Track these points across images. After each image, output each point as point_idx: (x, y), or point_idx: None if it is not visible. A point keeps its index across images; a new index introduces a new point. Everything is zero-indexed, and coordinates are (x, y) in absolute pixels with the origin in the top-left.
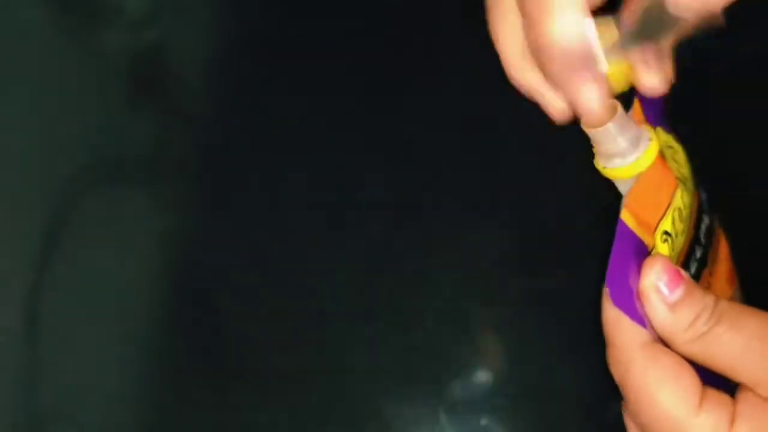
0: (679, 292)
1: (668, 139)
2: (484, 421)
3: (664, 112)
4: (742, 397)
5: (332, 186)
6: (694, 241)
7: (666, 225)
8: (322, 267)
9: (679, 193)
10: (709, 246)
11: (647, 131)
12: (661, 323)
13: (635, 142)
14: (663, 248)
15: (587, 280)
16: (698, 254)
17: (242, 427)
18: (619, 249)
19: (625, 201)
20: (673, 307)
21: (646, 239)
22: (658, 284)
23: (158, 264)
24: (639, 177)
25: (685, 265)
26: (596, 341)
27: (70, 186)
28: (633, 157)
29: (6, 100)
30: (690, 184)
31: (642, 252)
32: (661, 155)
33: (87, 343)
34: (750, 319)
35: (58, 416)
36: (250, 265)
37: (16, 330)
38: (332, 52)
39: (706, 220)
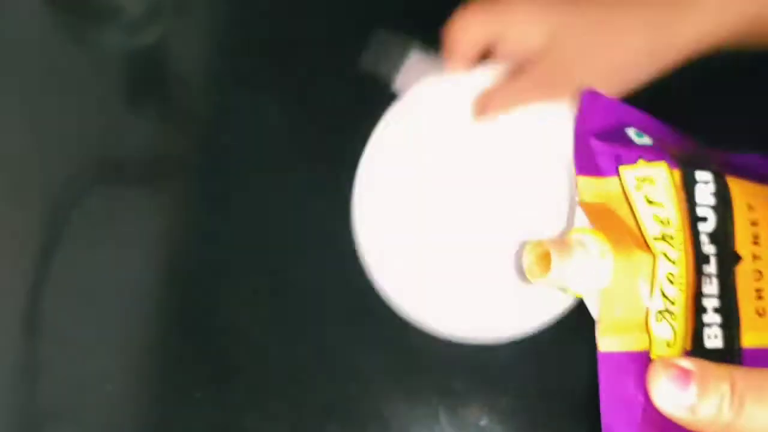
0: (692, 391)
1: (645, 171)
2: (483, 422)
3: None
4: None
5: (332, 186)
6: (699, 266)
7: (656, 305)
8: (323, 267)
9: (658, 263)
10: (725, 242)
11: (594, 250)
12: (690, 426)
13: (581, 271)
14: (658, 329)
15: None
16: (711, 268)
17: (242, 425)
18: (604, 378)
19: (598, 327)
20: (692, 409)
21: (639, 341)
22: (671, 392)
23: (158, 263)
24: (602, 291)
25: (698, 301)
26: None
27: (71, 186)
28: (584, 285)
29: (6, 100)
30: (675, 216)
31: (635, 359)
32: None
33: (87, 342)
34: None
35: (58, 415)
36: (250, 265)
37: (17, 329)
38: (332, 52)
39: (709, 223)
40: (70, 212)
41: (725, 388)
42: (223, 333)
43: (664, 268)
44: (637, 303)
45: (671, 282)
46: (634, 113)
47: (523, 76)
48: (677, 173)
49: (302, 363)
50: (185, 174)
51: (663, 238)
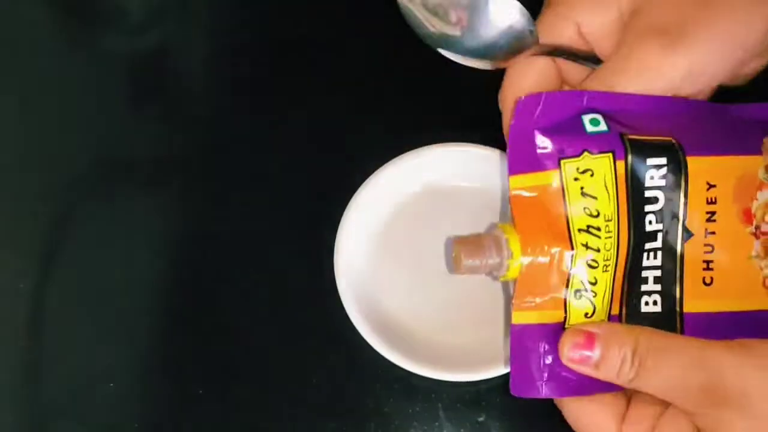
0: (597, 352)
1: (587, 163)
2: (481, 418)
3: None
4: (669, 410)
5: (333, 186)
6: (639, 245)
7: (574, 288)
8: (323, 267)
9: (576, 252)
10: (673, 219)
11: (504, 245)
12: (597, 379)
13: (489, 264)
14: (577, 304)
15: None
16: (657, 243)
17: (244, 422)
18: (515, 349)
19: (513, 304)
20: (596, 366)
21: (553, 316)
22: (574, 355)
23: (160, 263)
24: (516, 282)
25: (635, 273)
26: None
27: (73, 187)
28: (498, 274)
29: (10, 101)
30: (608, 206)
31: (548, 329)
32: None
33: (90, 341)
34: (673, 354)
35: (61, 414)
36: (250, 265)
37: (20, 328)
38: (332, 53)
39: (658, 203)
40: (71, 213)
41: (627, 349)
42: (224, 332)
43: (582, 256)
44: (551, 288)
45: (593, 267)
46: (600, 97)
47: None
48: (622, 164)
49: (302, 361)
50: (186, 175)
51: (587, 230)
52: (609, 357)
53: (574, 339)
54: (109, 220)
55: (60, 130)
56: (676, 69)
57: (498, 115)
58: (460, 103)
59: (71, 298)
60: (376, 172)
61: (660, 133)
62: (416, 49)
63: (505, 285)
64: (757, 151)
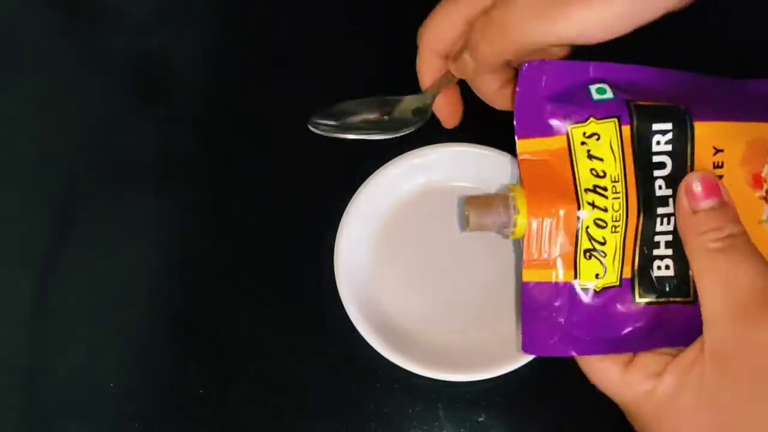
0: (708, 203)
1: (593, 128)
2: (481, 418)
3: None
4: (679, 356)
5: (333, 186)
6: (650, 208)
7: (583, 246)
8: (323, 266)
9: (583, 212)
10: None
11: (512, 204)
12: (681, 220)
13: (497, 222)
14: (587, 265)
15: None
16: (669, 209)
17: (244, 423)
18: (527, 307)
19: (524, 261)
20: (696, 212)
21: (563, 275)
22: (693, 187)
23: (160, 263)
24: (525, 239)
25: (648, 238)
26: None
27: (75, 186)
28: (508, 231)
29: (12, 102)
30: (615, 168)
31: (559, 288)
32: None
33: (92, 340)
34: (754, 265)
35: (62, 412)
36: (250, 265)
37: (22, 328)
38: (332, 53)
39: (666, 169)
40: (73, 212)
41: (730, 226)
42: (224, 331)
43: (590, 215)
44: (560, 246)
45: (601, 227)
46: (608, 68)
47: None
48: (627, 128)
49: (303, 360)
50: (187, 175)
51: (594, 189)
52: (714, 216)
53: (706, 175)
54: (109, 220)
55: (60, 130)
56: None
57: (498, 115)
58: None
59: (71, 298)
60: (376, 172)
61: (669, 100)
62: (416, 50)
63: (508, 282)
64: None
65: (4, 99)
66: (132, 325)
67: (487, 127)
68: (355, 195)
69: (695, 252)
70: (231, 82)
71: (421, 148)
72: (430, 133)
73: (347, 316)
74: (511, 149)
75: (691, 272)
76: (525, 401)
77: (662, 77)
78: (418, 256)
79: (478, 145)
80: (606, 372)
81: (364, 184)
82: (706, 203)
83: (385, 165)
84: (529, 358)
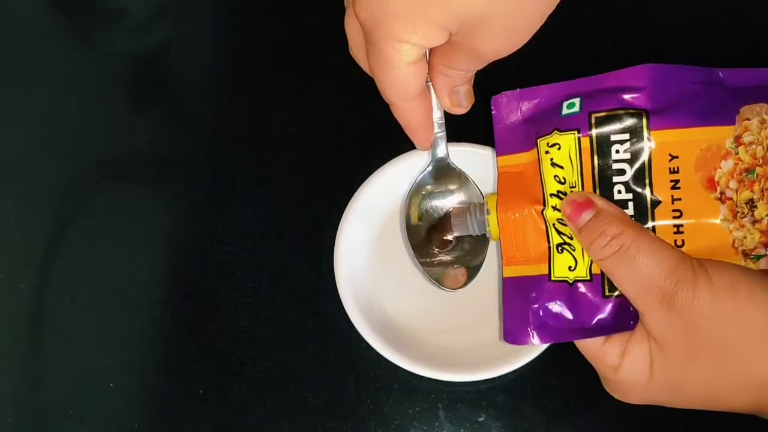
0: (585, 217)
1: (555, 139)
2: (481, 418)
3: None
4: (634, 332)
5: (333, 187)
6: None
7: (554, 241)
8: (323, 267)
9: (548, 213)
10: (640, 189)
11: (485, 209)
12: (579, 243)
13: (473, 225)
14: (560, 258)
15: None
16: (630, 211)
17: (244, 422)
18: (507, 299)
19: (502, 259)
20: (580, 230)
21: (538, 269)
22: (567, 211)
23: (161, 263)
24: (501, 236)
25: None
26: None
27: (74, 186)
28: (488, 233)
29: (13, 101)
30: (573, 175)
31: (535, 280)
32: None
33: (91, 340)
34: (654, 254)
35: (61, 412)
36: (250, 265)
37: (22, 328)
38: (332, 54)
39: (626, 175)
40: (73, 212)
41: (614, 228)
42: (225, 332)
43: (553, 215)
44: (533, 244)
45: (563, 224)
46: (579, 84)
47: None
48: (587, 139)
49: (302, 361)
50: (186, 175)
51: (557, 194)
52: (595, 226)
53: (574, 197)
54: (109, 219)
55: (60, 129)
56: None
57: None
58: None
59: (71, 298)
60: (375, 172)
61: (633, 105)
62: None
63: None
64: (730, 120)
65: (4, 99)
66: (132, 325)
67: (485, 127)
68: (355, 195)
69: (598, 264)
70: (231, 82)
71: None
72: None
73: (347, 316)
74: None
75: None
76: (525, 401)
77: (628, 78)
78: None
79: (477, 145)
80: (590, 343)
81: (364, 184)
82: (583, 219)
83: (385, 165)
84: (529, 358)
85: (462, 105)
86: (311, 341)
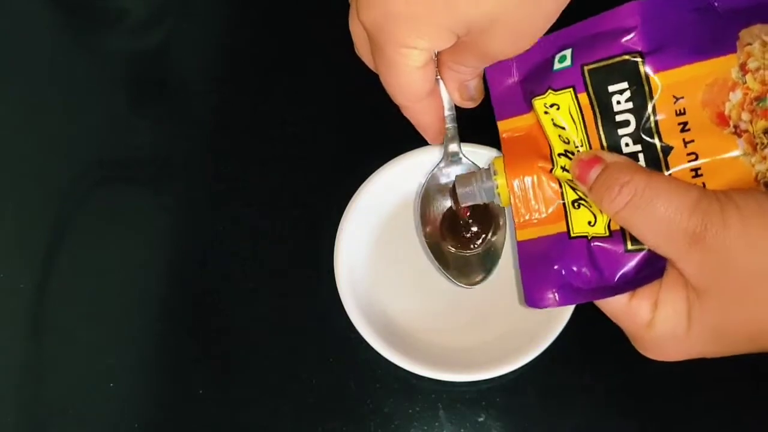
0: (593, 174)
1: (552, 99)
2: (481, 418)
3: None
4: (664, 281)
5: (333, 187)
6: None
7: (569, 198)
8: (323, 267)
9: (557, 173)
10: (649, 138)
11: (491, 173)
12: (592, 200)
13: (481, 190)
14: (577, 214)
15: None
16: (641, 163)
17: (244, 422)
18: (524, 262)
19: (514, 223)
20: (590, 189)
21: (555, 228)
22: (576, 172)
23: (161, 263)
24: (511, 201)
25: None
26: (591, 341)
27: (74, 187)
28: (496, 198)
29: (12, 101)
30: (576, 134)
31: (552, 240)
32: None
33: (91, 341)
34: (672, 194)
35: (61, 413)
36: (250, 265)
37: (22, 328)
38: (332, 54)
39: (631, 126)
40: (72, 213)
41: (624, 177)
42: (224, 332)
43: (563, 176)
44: (547, 202)
45: (573, 188)
46: (570, 32)
47: None
48: (584, 95)
49: (303, 360)
50: (187, 174)
51: (565, 154)
52: (603, 180)
53: (580, 157)
54: (109, 220)
55: (60, 130)
56: None
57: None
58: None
59: (71, 298)
60: (376, 172)
61: (627, 49)
62: None
63: (507, 282)
64: (730, 48)
65: (4, 98)
66: (132, 325)
67: (486, 126)
68: (355, 195)
69: (614, 219)
70: (231, 82)
71: (421, 148)
72: None
73: (347, 316)
74: None
75: None
76: (525, 401)
77: (619, 19)
78: (418, 256)
79: (478, 145)
80: (614, 302)
81: (364, 184)
82: (591, 176)
83: (385, 165)
84: (529, 358)
85: (473, 99)
86: (311, 341)
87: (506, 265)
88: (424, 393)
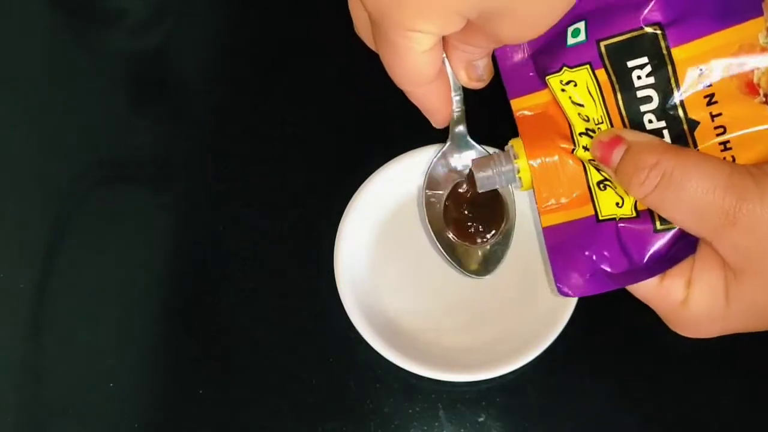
0: (617, 156)
1: (568, 76)
2: (481, 418)
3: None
4: (698, 258)
5: (333, 186)
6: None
7: (595, 179)
8: (323, 267)
9: (579, 153)
10: (673, 113)
11: (512, 155)
12: (618, 183)
13: (500, 174)
14: (604, 196)
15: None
16: (666, 140)
17: (244, 422)
18: (552, 250)
19: (538, 209)
20: (615, 171)
21: (581, 212)
22: (598, 154)
23: (160, 263)
24: (533, 185)
25: None
26: (591, 341)
27: (74, 187)
28: (516, 182)
29: (12, 102)
30: (596, 111)
31: (580, 224)
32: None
33: (91, 341)
34: (703, 171)
35: (61, 413)
36: (250, 265)
37: (22, 328)
38: (332, 53)
39: (654, 102)
40: (71, 212)
41: (650, 158)
42: (224, 332)
43: (586, 156)
44: (572, 185)
45: (598, 168)
46: (583, 4)
47: None
48: (602, 72)
49: (303, 360)
50: (187, 175)
51: (586, 132)
52: (629, 162)
53: (600, 138)
54: (109, 220)
55: (60, 130)
56: None
57: (499, 115)
58: (490, 125)
59: (71, 298)
60: (375, 172)
61: (645, 21)
62: None
63: (508, 282)
64: (756, 11)
65: (4, 98)
66: (132, 325)
67: (488, 126)
68: (355, 195)
69: (643, 203)
70: (231, 82)
71: (421, 148)
72: (429, 133)
73: (347, 316)
74: None
75: None
76: (525, 401)
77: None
78: (418, 256)
79: (479, 145)
80: (646, 285)
81: (364, 184)
82: (615, 158)
83: (385, 165)
84: (529, 358)
85: (481, 79)
86: (311, 341)
87: (506, 265)
88: (424, 393)
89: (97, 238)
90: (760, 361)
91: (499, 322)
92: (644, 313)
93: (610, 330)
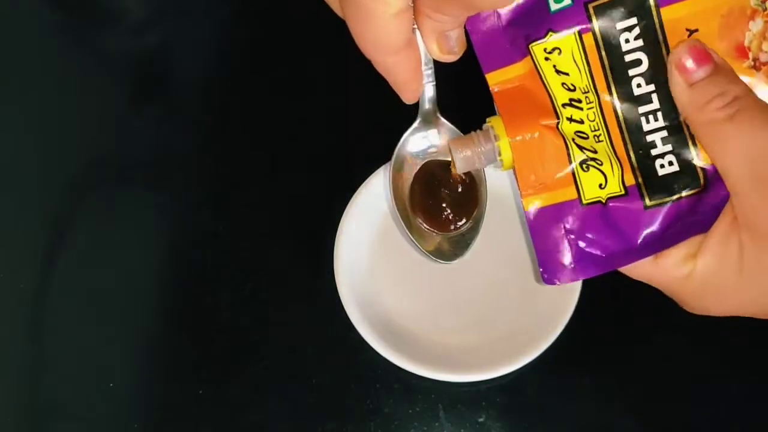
0: (702, 72)
1: (553, 43)
2: (481, 418)
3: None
4: (713, 229)
5: (333, 187)
6: (630, 111)
7: (577, 159)
8: (323, 267)
9: (563, 128)
10: (662, 76)
11: (491, 131)
12: (679, 99)
13: (480, 155)
14: (587, 177)
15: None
16: (654, 105)
17: (244, 423)
18: (536, 235)
19: (520, 191)
20: (692, 84)
21: (564, 194)
22: (683, 61)
23: (160, 263)
24: (514, 165)
25: (637, 140)
26: (591, 341)
27: (74, 187)
28: (497, 162)
29: (11, 101)
30: (583, 79)
31: (564, 208)
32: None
33: (91, 340)
34: (765, 128)
35: (61, 413)
36: (250, 265)
37: (22, 328)
38: (332, 54)
39: (643, 65)
40: (71, 213)
41: (731, 89)
42: (224, 332)
43: (570, 128)
44: (554, 165)
45: (583, 138)
46: None
47: None
48: (589, 36)
49: (303, 360)
50: (186, 175)
51: (570, 103)
52: (714, 82)
53: (694, 44)
54: (108, 220)
55: (60, 130)
56: None
57: (468, 91)
58: (460, 104)
59: (71, 298)
60: (376, 172)
61: None
62: None
63: (508, 282)
64: None
65: (4, 99)
66: (132, 325)
67: (458, 104)
68: (355, 195)
69: (703, 128)
70: (231, 82)
71: None
72: None
73: (347, 316)
74: None
75: (700, 149)
76: (525, 401)
77: None
78: (418, 256)
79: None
80: (639, 266)
81: (364, 184)
82: (700, 72)
83: (385, 165)
84: (529, 358)
85: (453, 51)
86: (311, 341)
87: (507, 265)
88: (424, 393)
89: (97, 238)
90: (760, 361)
91: (498, 322)
92: (644, 313)
93: (610, 330)
